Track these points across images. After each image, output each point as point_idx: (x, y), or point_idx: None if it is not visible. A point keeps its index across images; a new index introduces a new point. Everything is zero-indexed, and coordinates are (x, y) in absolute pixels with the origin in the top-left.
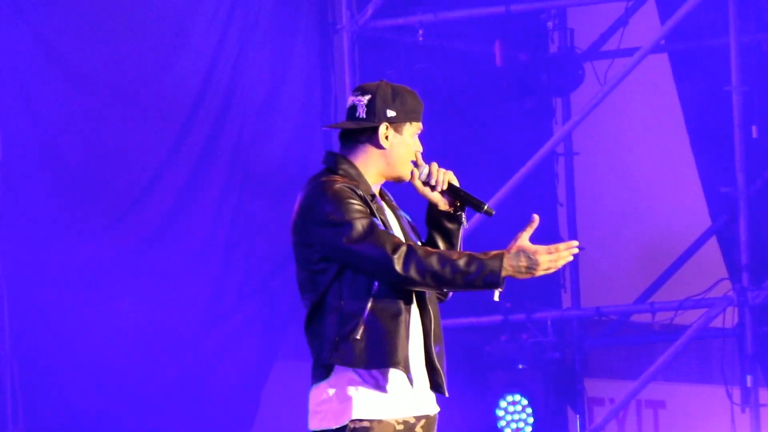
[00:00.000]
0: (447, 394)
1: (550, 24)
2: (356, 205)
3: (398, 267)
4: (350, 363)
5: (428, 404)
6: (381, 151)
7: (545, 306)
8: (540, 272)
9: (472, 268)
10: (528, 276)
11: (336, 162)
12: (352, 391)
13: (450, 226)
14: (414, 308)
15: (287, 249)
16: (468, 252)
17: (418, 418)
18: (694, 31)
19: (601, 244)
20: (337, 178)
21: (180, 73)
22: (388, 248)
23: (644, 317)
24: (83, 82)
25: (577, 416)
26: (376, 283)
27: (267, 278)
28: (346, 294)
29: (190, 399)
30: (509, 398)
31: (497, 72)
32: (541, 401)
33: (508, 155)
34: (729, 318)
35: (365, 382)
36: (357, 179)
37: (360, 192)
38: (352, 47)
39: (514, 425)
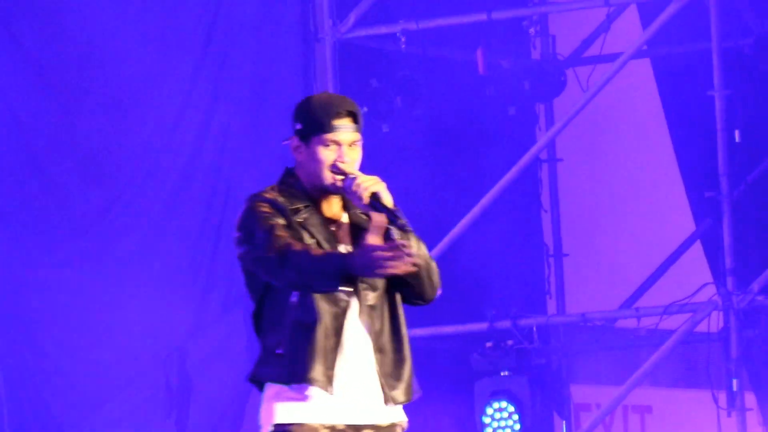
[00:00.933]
0: (395, 403)
1: (531, 30)
2: (265, 214)
3: (279, 268)
4: (271, 378)
5: (372, 414)
6: (299, 163)
7: (530, 312)
8: (384, 271)
9: (325, 261)
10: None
11: (282, 175)
12: (277, 396)
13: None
14: (351, 319)
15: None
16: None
17: (353, 427)
18: (676, 36)
19: (585, 249)
20: (267, 189)
21: (162, 83)
22: (274, 251)
23: (629, 322)
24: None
25: (564, 422)
26: (296, 296)
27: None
28: (268, 306)
29: (177, 406)
30: (495, 405)
31: (480, 79)
32: (528, 408)
33: (492, 162)
34: (714, 322)
35: (291, 390)
36: (288, 191)
37: (279, 202)
38: (335, 56)
39: None
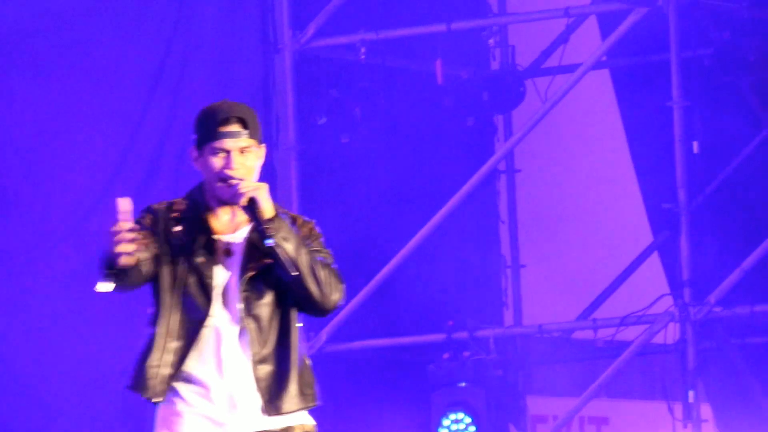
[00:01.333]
0: (278, 414)
1: (491, 41)
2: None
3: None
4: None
5: (237, 425)
6: (201, 173)
7: (487, 324)
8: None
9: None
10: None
11: (192, 188)
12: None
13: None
14: (212, 328)
15: None
16: None
17: None
18: (635, 47)
19: (542, 260)
20: (155, 205)
21: (121, 95)
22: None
23: (586, 334)
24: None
25: None
26: (155, 307)
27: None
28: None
29: None
30: (452, 416)
31: (439, 90)
32: (485, 419)
33: (450, 173)
34: (671, 334)
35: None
36: (191, 202)
37: (158, 213)
38: (294, 66)
39: None
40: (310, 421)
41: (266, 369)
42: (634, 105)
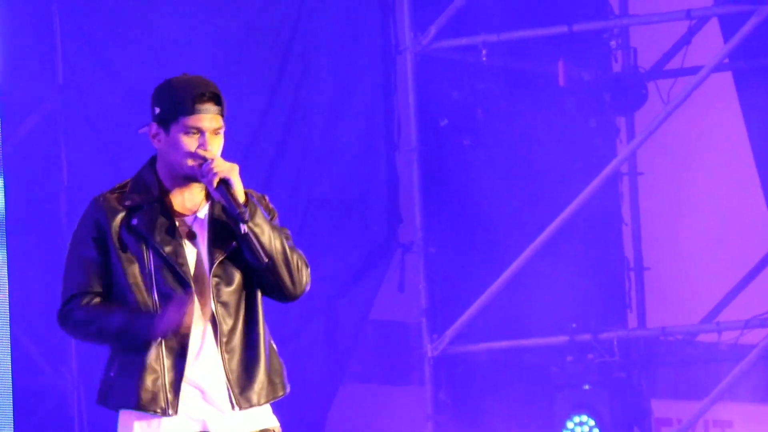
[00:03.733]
0: (249, 406)
1: (613, 43)
2: (80, 244)
3: (62, 324)
4: (103, 403)
5: (226, 421)
6: (159, 151)
7: (611, 326)
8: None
9: (128, 330)
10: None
11: (145, 163)
12: (129, 415)
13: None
14: (198, 329)
15: (353, 271)
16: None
17: None
18: (758, 49)
19: (666, 263)
20: (119, 185)
21: (241, 97)
22: (62, 301)
23: (710, 336)
24: (139, 97)
25: None
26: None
27: (331, 299)
28: None
29: None
30: (576, 419)
31: (560, 91)
32: (608, 422)
33: (572, 175)
34: None
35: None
36: (141, 184)
37: (106, 214)
38: (415, 68)
39: None
40: (275, 422)
41: (236, 358)
42: (756, 107)
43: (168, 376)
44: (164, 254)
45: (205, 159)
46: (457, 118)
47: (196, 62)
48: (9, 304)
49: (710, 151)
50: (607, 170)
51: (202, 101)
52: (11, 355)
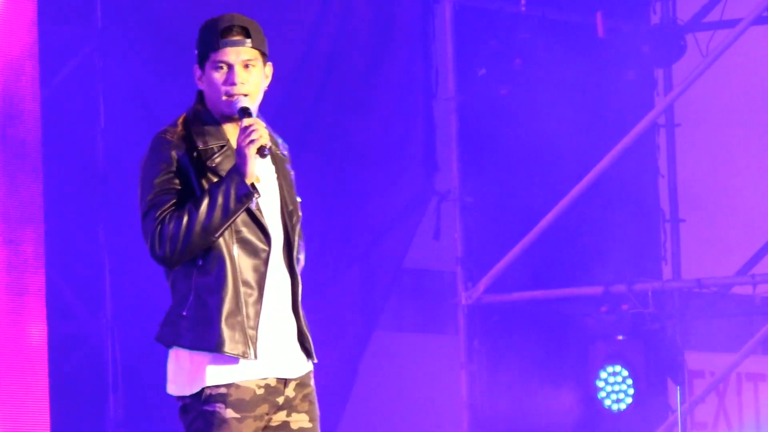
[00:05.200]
0: (315, 360)
1: None
2: (159, 170)
3: (157, 250)
4: (176, 342)
5: (297, 366)
6: (205, 93)
7: (646, 277)
8: (254, 135)
9: (219, 199)
10: (255, 145)
11: (192, 104)
12: (204, 358)
13: None
14: (274, 271)
15: (388, 219)
16: (209, 186)
17: (283, 381)
18: None
19: (702, 215)
20: (176, 124)
21: (278, 46)
22: (153, 231)
23: (745, 289)
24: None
25: (678, 388)
26: (201, 255)
27: (366, 246)
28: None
29: None
30: (609, 369)
31: (599, 42)
32: (642, 372)
33: (610, 126)
34: None
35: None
36: (199, 124)
37: (176, 149)
38: (454, 18)
39: (614, 396)
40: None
41: (299, 302)
42: None
43: (250, 318)
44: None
45: (232, 95)
46: (495, 67)
47: (234, 8)
48: (44, 248)
49: (748, 104)
50: (645, 122)
51: (227, 34)
52: (46, 298)
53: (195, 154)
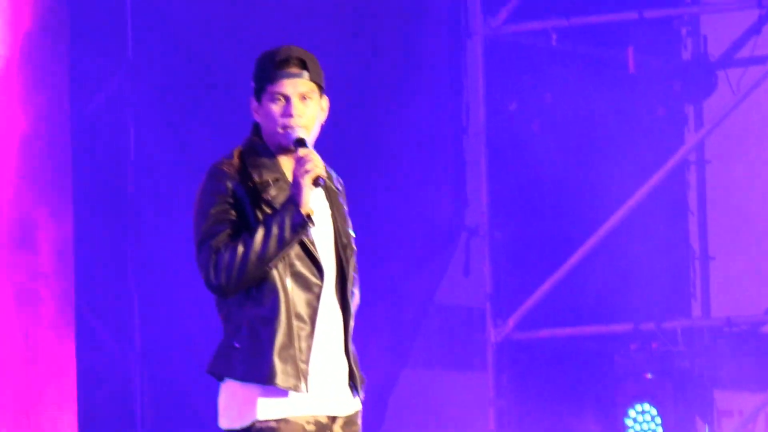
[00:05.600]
0: (362, 397)
1: (683, 31)
2: (215, 200)
3: (213, 279)
4: (228, 373)
5: (346, 404)
6: (260, 125)
7: (675, 315)
8: (309, 165)
9: (274, 230)
10: (312, 176)
11: (248, 136)
12: (255, 391)
13: None
14: (326, 306)
15: (418, 254)
16: (264, 217)
17: (332, 418)
18: None
19: (731, 252)
20: (224, 161)
21: None
22: (209, 260)
23: None
24: (209, 71)
25: (707, 427)
26: (255, 287)
27: (396, 282)
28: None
29: None
30: (638, 407)
31: (630, 78)
32: (670, 411)
33: (640, 162)
34: None
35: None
36: (255, 157)
37: (232, 179)
38: (485, 52)
39: None
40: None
41: (351, 339)
42: None
43: (302, 352)
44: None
45: (289, 127)
46: (526, 102)
47: (265, 38)
48: (74, 280)
49: None
50: (675, 158)
51: (284, 66)
52: (75, 330)
53: (250, 185)
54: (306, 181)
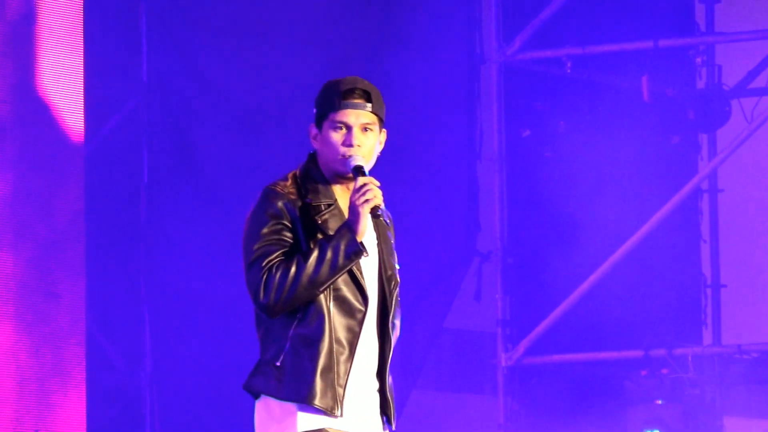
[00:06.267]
0: (393, 427)
1: (698, 60)
2: (268, 220)
3: (262, 298)
4: (267, 391)
5: (375, 426)
6: (318, 152)
7: (686, 342)
8: (369, 195)
9: (328, 254)
10: (370, 204)
11: (304, 162)
12: (293, 407)
13: None
14: (366, 333)
15: (430, 278)
16: (318, 241)
17: None
18: None
19: (743, 281)
20: (278, 183)
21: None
22: (260, 279)
23: None
24: (223, 96)
25: None
26: (301, 308)
27: (408, 306)
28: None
29: None
30: None
31: (644, 107)
32: None
33: (652, 190)
34: None
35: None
36: (310, 182)
37: (292, 202)
38: (500, 79)
39: None
40: None
41: (388, 368)
42: None
43: (340, 377)
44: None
45: (348, 156)
46: (540, 129)
47: (278, 62)
48: (85, 301)
49: None
50: (688, 187)
51: (349, 96)
52: (85, 351)
53: (303, 208)
54: (364, 210)
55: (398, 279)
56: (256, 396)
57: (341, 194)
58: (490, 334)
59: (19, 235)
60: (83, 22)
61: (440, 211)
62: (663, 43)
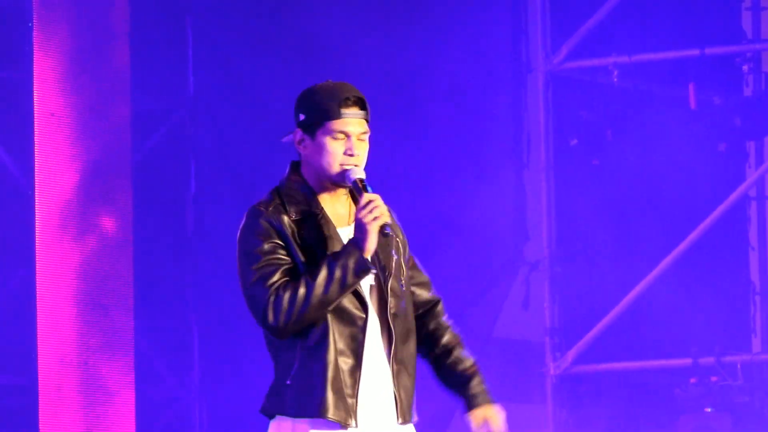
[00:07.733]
0: (412, 421)
1: (745, 68)
2: (259, 240)
3: (270, 320)
4: (280, 410)
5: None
6: (304, 158)
7: (735, 350)
8: (377, 212)
9: (337, 273)
10: (379, 222)
11: (286, 174)
12: (306, 425)
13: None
14: (370, 340)
15: (477, 288)
16: (326, 256)
17: None
18: None
19: None
20: (261, 202)
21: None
22: (266, 301)
23: None
24: (267, 109)
25: None
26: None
27: (455, 316)
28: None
29: None
30: None
31: (690, 114)
32: None
33: (700, 198)
34: None
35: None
36: (293, 195)
37: (269, 218)
38: (546, 88)
39: None
40: None
41: (402, 372)
42: None
43: (348, 387)
44: None
45: (347, 165)
46: (587, 138)
47: (320, 76)
48: (133, 313)
49: None
50: (735, 194)
51: (348, 105)
52: (134, 363)
53: (289, 223)
54: (373, 227)
55: (405, 268)
56: (271, 416)
57: (328, 201)
58: (538, 343)
59: (68, 248)
60: (129, 38)
61: (488, 220)
62: (709, 50)
